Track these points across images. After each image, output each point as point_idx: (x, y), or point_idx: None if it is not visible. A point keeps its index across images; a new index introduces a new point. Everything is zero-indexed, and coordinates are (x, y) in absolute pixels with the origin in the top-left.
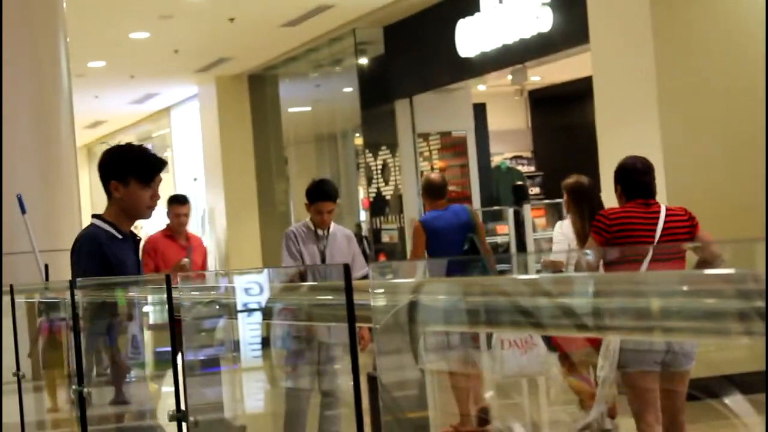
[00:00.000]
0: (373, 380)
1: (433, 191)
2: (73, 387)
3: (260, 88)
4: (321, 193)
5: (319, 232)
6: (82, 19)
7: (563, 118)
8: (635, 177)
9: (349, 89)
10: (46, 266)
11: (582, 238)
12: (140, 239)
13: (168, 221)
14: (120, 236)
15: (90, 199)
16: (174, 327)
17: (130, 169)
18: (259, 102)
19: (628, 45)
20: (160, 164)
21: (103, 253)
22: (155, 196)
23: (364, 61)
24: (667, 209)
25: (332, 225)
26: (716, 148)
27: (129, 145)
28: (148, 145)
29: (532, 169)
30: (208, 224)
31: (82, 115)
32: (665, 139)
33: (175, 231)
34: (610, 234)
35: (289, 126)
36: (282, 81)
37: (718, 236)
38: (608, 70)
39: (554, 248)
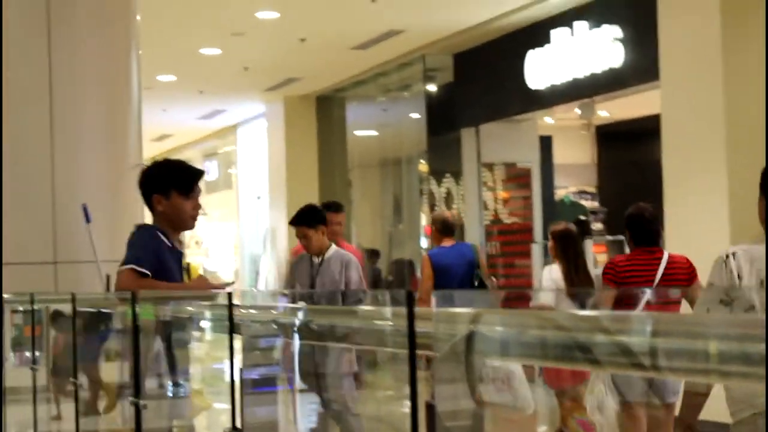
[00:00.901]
0: (430, 408)
1: (445, 228)
2: (130, 399)
3: (327, 110)
4: (296, 218)
5: (314, 258)
6: (155, 32)
7: (629, 155)
8: (645, 225)
9: (416, 115)
10: (108, 276)
11: (569, 282)
12: (183, 253)
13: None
14: (169, 244)
15: None
16: (232, 344)
17: (171, 181)
18: (325, 123)
19: (699, 83)
20: (198, 174)
21: (158, 246)
22: (197, 206)
23: (432, 87)
24: (670, 256)
25: (331, 250)
26: None
27: (166, 160)
28: (214, 162)
29: (596, 204)
30: (270, 243)
31: (150, 128)
32: (732, 179)
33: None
34: (620, 281)
35: (355, 149)
36: (349, 103)
37: None
38: (677, 108)
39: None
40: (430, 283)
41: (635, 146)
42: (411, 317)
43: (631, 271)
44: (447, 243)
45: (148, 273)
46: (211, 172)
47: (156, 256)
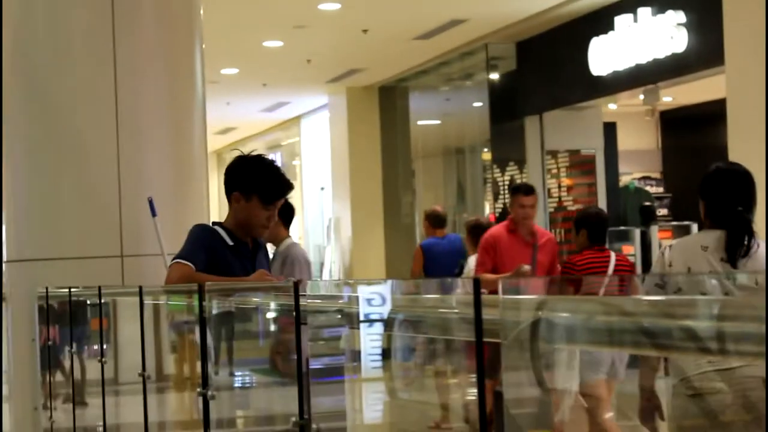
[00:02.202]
0: (498, 396)
1: (436, 221)
2: (198, 390)
3: (390, 100)
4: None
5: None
6: (218, 26)
7: (694, 140)
8: (601, 226)
9: (479, 104)
10: None
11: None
12: (261, 246)
13: (511, 214)
14: (232, 243)
15: (218, 204)
16: (299, 334)
17: (257, 186)
18: (388, 114)
19: (764, 68)
20: (286, 189)
21: (211, 243)
22: (271, 218)
23: (495, 76)
24: (616, 255)
25: (284, 244)
26: None
27: (261, 160)
28: (277, 154)
29: (661, 190)
30: (334, 234)
31: (214, 121)
32: None
33: (520, 225)
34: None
35: (418, 138)
36: (412, 93)
37: None
38: (742, 93)
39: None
40: (419, 270)
41: (700, 131)
42: (478, 304)
43: (588, 268)
44: (439, 234)
45: (192, 266)
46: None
47: (208, 252)
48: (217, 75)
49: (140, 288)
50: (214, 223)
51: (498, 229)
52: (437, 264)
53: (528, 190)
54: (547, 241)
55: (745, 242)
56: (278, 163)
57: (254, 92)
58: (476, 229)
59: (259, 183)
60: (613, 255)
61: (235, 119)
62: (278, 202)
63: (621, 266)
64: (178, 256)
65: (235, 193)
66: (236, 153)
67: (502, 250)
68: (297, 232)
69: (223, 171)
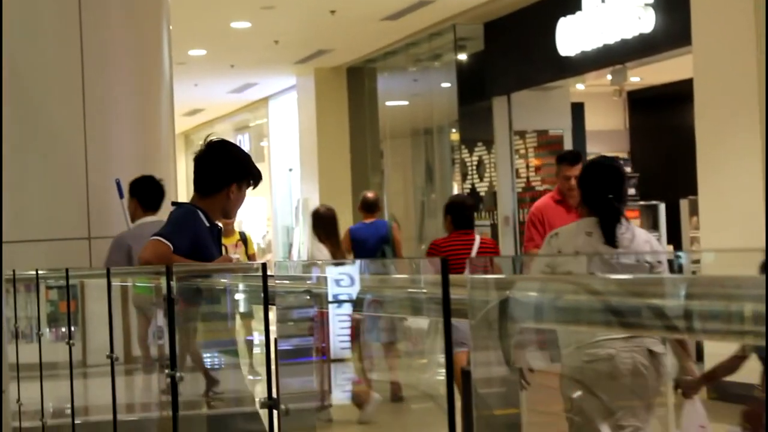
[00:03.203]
0: (466, 375)
1: (366, 207)
2: (166, 371)
3: (358, 81)
4: None
5: None
6: (185, 7)
7: (662, 120)
8: (465, 212)
9: (446, 85)
10: None
11: (333, 255)
12: (221, 229)
13: (558, 184)
14: (208, 224)
15: (186, 185)
16: (267, 315)
17: (248, 175)
18: (356, 95)
19: (731, 48)
20: (261, 176)
21: (197, 228)
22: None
23: (463, 56)
24: (481, 239)
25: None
26: None
27: (241, 149)
28: (245, 135)
29: (628, 170)
30: (302, 215)
31: (181, 102)
32: (766, 143)
33: (567, 195)
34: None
35: (386, 119)
36: (380, 74)
37: None
38: (710, 73)
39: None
40: (348, 252)
41: (667, 111)
42: (446, 284)
43: (451, 250)
44: (367, 220)
45: (170, 246)
46: (242, 145)
47: (191, 238)
48: (185, 56)
49: (108, 269)
50: (180, 203)
51: (544, 201)
52: (362, 248)
53: (574, 159)
54: None
55: (616, 227)
56: (246, 145)
57: (222, 73)
58: (316, 218)
59: (252, 172)
60: (477, 238)
61: (202, 100)
62: None
63: (485, 248)
64: (158, 234)
65: (232, 186)
66: (212, 137)
67: (550, 223)
68: (265, 213)
69: (192, 153)
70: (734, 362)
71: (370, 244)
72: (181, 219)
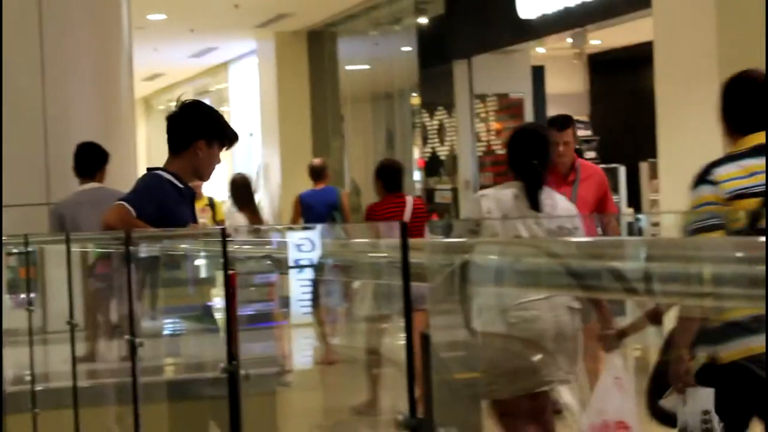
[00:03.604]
0: (426, 339)
1: (314, 174)
2: (126, 337)
3: (319, 45)
4: None
5: None
6: None
7: (622, 83)
8: (395, 176)
9: (407, 48)
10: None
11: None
12: (194, 192)
13: None
14: (181, 185)
15: (146, 151)
16: (228, 281)
17: (219, 133)
18: (317, 59)
19: (691, 10)
20: (237, 138)
21: (163, 195)
22: (218, 162)
23: (423, 20)
24: (414, 200)
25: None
26: None
27: (214, 109)
28: (206, 100)
29: (589, 133)
30: (263, 180)
31: (141, 67)
32: None
33: (556, 163)
34: (381, 221)
35: (347, 84)
36: (341, 38)
37: None
38: (669, 36)
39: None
40: (297, 218)
41: (628, 74)
42: (405, 248)
43: (387, 212)
44: (317, 186)
45: (133, 212)
46: None
47: (157, 204)
48: (144, 21)
49: (67, 235)
50: (151, 169)
51: None
52: (312, 213)
53: (562, 124)
54: (593, 175)
55: (539, 192)
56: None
57: (182, 38)
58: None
59: (221, 131)
60: (409, 200)
61: (162, 65)
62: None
63: (418, 210)
64: (123, 199)
65: (199, 141)
66: (181, 99)
67: None
68: (226, 178)
69: (152, 118)
70: (648, 319)
71: (318, 210)
72: (145, 185)
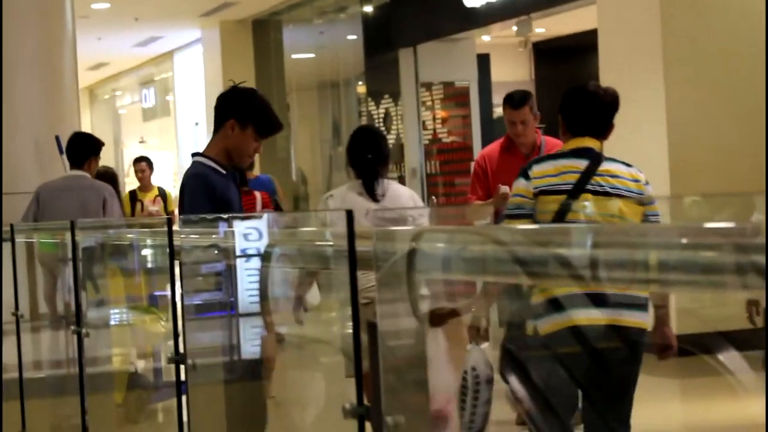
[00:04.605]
0: (372, 328)
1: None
2: (72, 328)
3: (264, 34)
4: None
5: None
6: None
7: (567, 71)
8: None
9: (353, 37)
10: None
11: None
12: (236, 172)
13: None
14: (224, 171)
15: None
16: (173, 270)
17: (254, 116)
18: (262, 48)
19: None
20: (279, 126)
21: (211, 190)
22: (258, 150)
23: (368, 8)
24: (261, 194)
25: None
26: (720, 102)
27: (258, 94)
28: (150, 89)
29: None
30: None
31: (85, 57)
32: (669, 93)
33: (516, 142)
34: None
35: (292, 73)
36: (286, 27)
37: (720, 189)
38: (613, 24)
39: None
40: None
41: (572, 62)
42: (351, 237)
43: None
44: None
45: None
46: (148, 99)
47: (210, 200)
48: (88, 10)
49: (11, 226)
50: (194, 155)
51: (491, 149)
52: None
53: (517, 102)
54: None
55: (375, 184)
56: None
57: (126, 27)
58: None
59: (257, 114)
60: (258, 196)
61: (106, 54)
62: (268, 137)
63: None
64: (182, 212)
65: (230, 121)
66: (229, 83)
67: (494, 173)
68: (172, 168)
69: (97, 107)
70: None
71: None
72: (192, 192)
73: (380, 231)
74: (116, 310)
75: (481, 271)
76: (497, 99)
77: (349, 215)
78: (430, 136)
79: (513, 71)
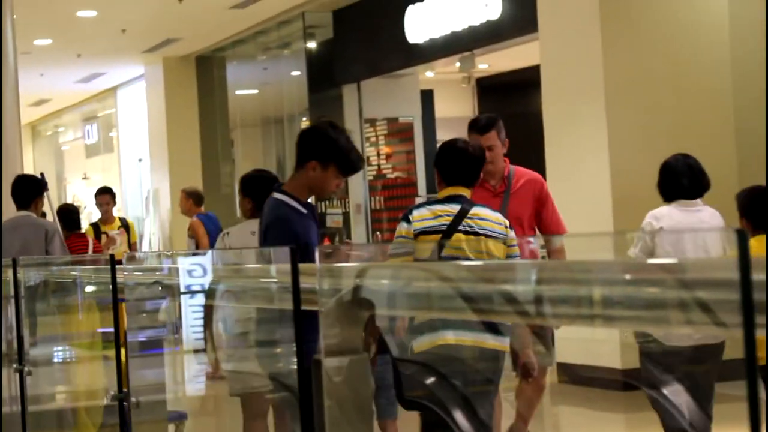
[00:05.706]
0: (317, 365)
1: (199, 200)
2: (14, 366)
3: (208, 70)
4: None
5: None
6: None
7: (510, 107)
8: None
9: (296, 73)
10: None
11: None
12: (314, 207)
13: None
14: (304, 210)
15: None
16: (116, 307)
17: (337, 158)
18: (206, 84)
19: (576, 34)
20: (360, 165)
21: (294, 237)
22: (340, 186)
23: (312, 45)
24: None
25: None
26: (662, 136)
27: (345, 133)
28: (94, 125)
29: None
30: (153, 205)
31: (27, 92)
32: (612, 128)
33: (484, 171)
34: None
35: (236, 109)
36: (230, 63)
37: None
38: (556, 60)
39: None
40: (206, 240)
41: (515, 98)
42: (295, 273)
43: (77, 250)
44: (201, 211)
45: None
46: (91, 135)
47: (293, 236)
48: (30, 45)
49: None
50: (277, 190)
51: None
52: (211, 238)
53: (483, 126)
54: (526, 184)
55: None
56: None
57: (69, 63)
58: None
59: (339, 156)
60: (90, 240)
61: (49, 90)
62: (352, 175)
63: (96, 250)
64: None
65: (312, 162)
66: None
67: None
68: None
69: (39, 143)
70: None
71: (214, 235)
72: (276, 237)
73: (325, 267)
74: (59, 348)
75: (427, 307)
76: (441, 134)
77: (293, 252)
78: (374, 172)
79: (457, 107)
